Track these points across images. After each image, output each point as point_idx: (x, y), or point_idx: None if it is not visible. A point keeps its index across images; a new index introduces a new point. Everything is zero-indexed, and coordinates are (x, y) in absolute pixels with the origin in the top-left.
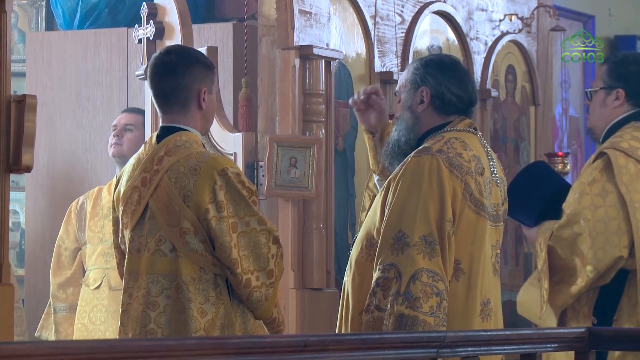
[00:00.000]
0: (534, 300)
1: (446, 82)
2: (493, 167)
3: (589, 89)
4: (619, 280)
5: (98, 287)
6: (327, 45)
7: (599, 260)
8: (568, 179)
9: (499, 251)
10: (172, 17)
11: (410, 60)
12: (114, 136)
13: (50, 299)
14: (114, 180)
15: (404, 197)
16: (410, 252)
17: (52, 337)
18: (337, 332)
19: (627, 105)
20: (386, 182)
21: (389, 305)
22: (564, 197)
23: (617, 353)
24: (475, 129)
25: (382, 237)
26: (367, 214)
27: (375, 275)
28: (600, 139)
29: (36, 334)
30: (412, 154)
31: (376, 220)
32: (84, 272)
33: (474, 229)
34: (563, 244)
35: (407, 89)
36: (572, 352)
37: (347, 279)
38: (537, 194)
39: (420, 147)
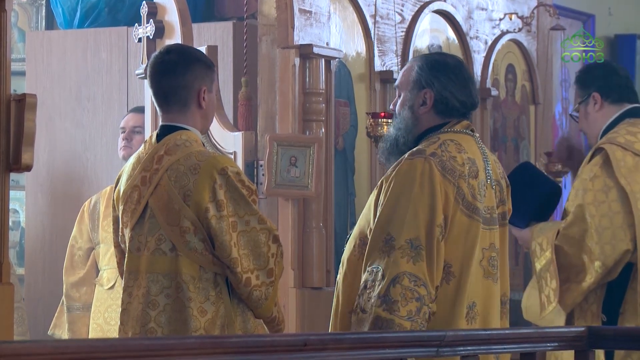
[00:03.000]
0: (537, 304)
1: (451, 87)
2: (488, 170)
3: (572, 112)
4: (624, 274)
5: (112, 287)
6: (327, 44)
7: (607, 255)
8: (568, 178)
9: (494, 254)
10: (172, 16)
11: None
12: (123, 139)
13: (63, 298)
14: None
15: (395, 199)
16: (395, 255)
17: (65, 336)
18: (329, 329)
19: (607, 105)
20: (379, 181)
21: (369, 307)
22: (555, 198)
23: (622, 351)
24: (472, 130)
25: (371, 239)
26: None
27: (364, 277)
28: None
29: (49, 332)
30: (405, 155)
31: (370, 220)
32: (97, 271)
33: (465, 232)
34: (571, 242)
35: (409, 88)
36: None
37: (340, 277)
38: (529, 195)
39: (414, 149)
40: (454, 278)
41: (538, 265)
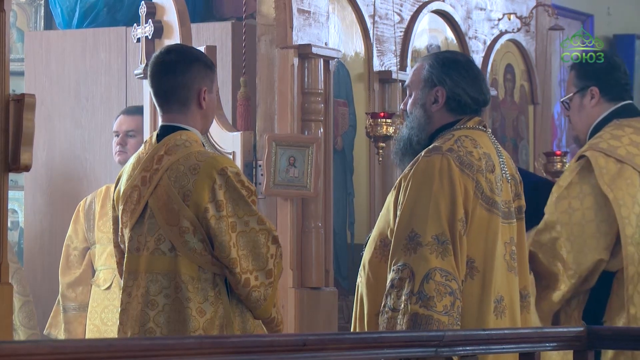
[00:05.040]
0: None
1: (463, 84)
2: (503, 164)
3: (564, 98)
4: (606, 282)
5: (108, 287)
6: (325, 44)
7: (579, 264)
8: None
9: (514, 248)
10: (170, 16)
11: (410, 59)
12: (117, 144)
13: (59, 298)
14: None
15: (415, 197)
16: (423, 252)
17: (61, 336)
18: None
19: (603, 102)
20: (397, 181)
21: (402, 305)
22: (543, 195)
23: (610, 353)
24: (485, 126)
25: (394, 238)
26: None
27: (390, 276)
28: (586, 142)
29: (45, 332)
30: (422, 154)
31: (390, 220)
32: (93, 271)
33: (486, 226)
34: (544, 249)
35: (421, 87)
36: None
37: (361, 280)
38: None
39: (430, 147)
40: (477, 273)
41: None
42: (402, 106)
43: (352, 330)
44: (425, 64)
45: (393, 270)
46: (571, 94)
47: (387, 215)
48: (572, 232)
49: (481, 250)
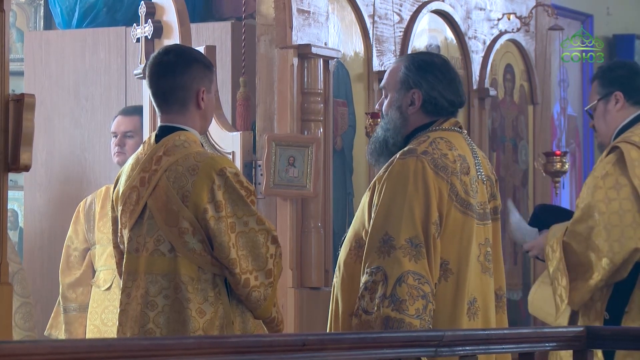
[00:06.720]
0: (544, 299)
1: (439, 87)
2: (478, 165)
3: (588, 107)
4: (632, 273)
5: (109, 288)
6: (325, 44)
7: (615, 252)
8: (567, 178)
9: (489, 249)
10: (170, 16)
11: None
12: (115, 145)
13: (60, 299)
14: None
15: (390, 199)
16: (397, 255)
17: (62, 336)
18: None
19: (628, 105)
20: (372, 182)
21: (375, 308)
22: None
23: (622, 351)
24: (460, 127)
25: (368, 240)
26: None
27: (363, 278)
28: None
29: (45, 333)
30: (397, 156)
31: (365, 221)
32: (94, 272)
33: (460, 228)
34: (578, 238)
35: (397, 89)
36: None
37: (337, 280)
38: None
39: (405, 149)
40: (452, 275)
41: (551, 268)
42: (377, 106)
43: (327, 329)
44: (402, 66)
45: (367, 272)
46: (595, 102)
47: (362, 217)
48: (609, 221)
49: (455, 253)
